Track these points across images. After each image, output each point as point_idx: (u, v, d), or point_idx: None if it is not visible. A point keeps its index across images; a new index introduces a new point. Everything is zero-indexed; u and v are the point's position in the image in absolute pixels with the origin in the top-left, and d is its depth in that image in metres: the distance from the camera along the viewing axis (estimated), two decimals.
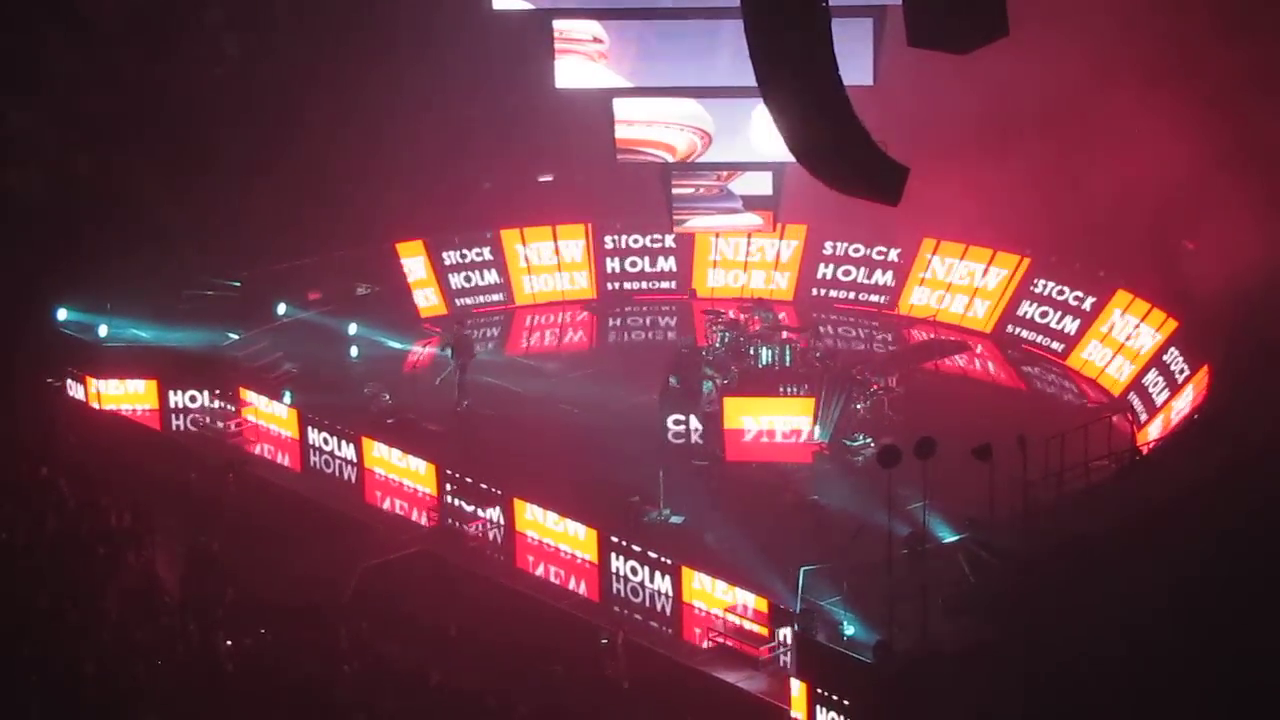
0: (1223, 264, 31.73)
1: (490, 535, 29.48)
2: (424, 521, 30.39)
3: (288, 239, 37.79)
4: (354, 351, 37.25)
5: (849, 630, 23.78)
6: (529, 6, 29.61)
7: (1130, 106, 33.24)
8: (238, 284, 37.50)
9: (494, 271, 40.75)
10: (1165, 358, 33.71)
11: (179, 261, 36.48)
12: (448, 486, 30.19)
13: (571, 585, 28.26)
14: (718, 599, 26.68)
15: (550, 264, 40.92)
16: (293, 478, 32.59)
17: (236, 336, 35.98)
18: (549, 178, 41.89)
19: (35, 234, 35.17)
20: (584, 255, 40.92)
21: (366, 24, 38.89)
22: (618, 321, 40.23)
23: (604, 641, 25.99)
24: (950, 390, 35.16)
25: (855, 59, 26.84)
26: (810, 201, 31.16)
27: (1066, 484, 26.44)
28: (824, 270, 40.49)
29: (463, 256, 40.65)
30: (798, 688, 24.11)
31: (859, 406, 32.62)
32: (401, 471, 31.15)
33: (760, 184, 33.68)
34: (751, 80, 18.20)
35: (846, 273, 40.28)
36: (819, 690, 23.73)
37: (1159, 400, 33.10)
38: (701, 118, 31.73)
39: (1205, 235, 32.73)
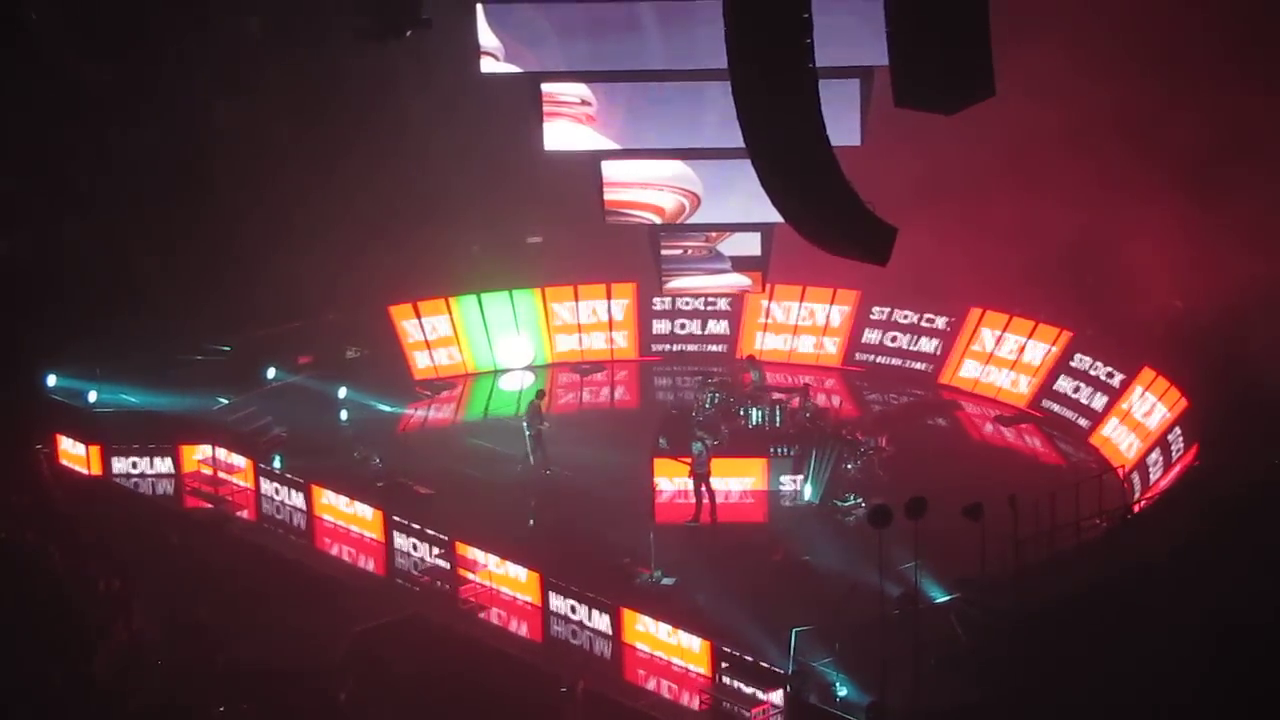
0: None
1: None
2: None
3: (277, 303, 37.72)
4: (344, 415, 37.17)
5: (842, 691, 23.70)
6: (517, 70, 29.64)
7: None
8: (227, 349, 37.43)
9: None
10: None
11: (168, 327, 36.41)
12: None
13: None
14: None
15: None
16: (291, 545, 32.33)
17: (226, 401, 35.87)
18: (538, 239, 41.91)
19: (24, 300, 35.12)
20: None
21: (355, 90, 38.91)
22: None
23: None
24: (940, 450, 35.04)
25: (843, 119, 26.85)
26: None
27: (1058, 543, 26.39)
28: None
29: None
30: None
31: (849, 466, 32.56)
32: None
33: (749, 245, 33.67)
34: (739, 141, 18.25)
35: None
36: None
37: (1154, 477, 32.59)
38: (689, 179, 31.73)
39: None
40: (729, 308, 40.99)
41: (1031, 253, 34.85)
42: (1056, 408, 36.60)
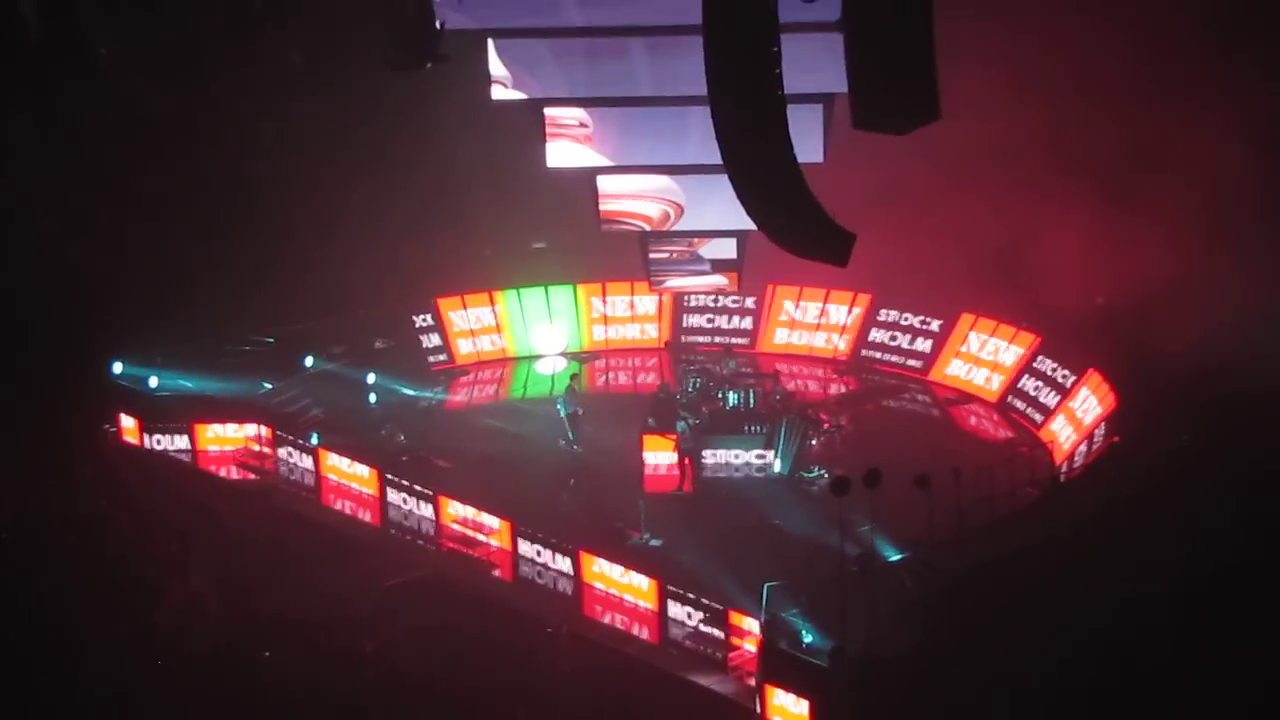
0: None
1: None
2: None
3: (315, 299, 37.79)
4: (372, 398, 37.32)
5: (807, 638, 23.89)
6: (523, 96, 29.70)
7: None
8: (270, 340, 37.58)
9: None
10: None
11: (220, 321, 36.58)
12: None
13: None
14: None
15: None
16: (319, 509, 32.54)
17: (270, 386, 36.03)
18: (542, 244, 41.96)
19: (93, 297, 35.20)
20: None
21: (383, 116, 38.87)
22: None
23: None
24: (894, 428, 35.18)
25: (807, 139, 26.87)
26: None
27: (995, 509, 26.60)
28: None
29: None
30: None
31: (814, 442, 32.75)
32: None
33: (726, 249, 33.70)
34: (718, 158, 18.39)
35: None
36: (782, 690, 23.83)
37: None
38: (674, 191, 31.79)
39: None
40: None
41: (973, 257, 34.81)
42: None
